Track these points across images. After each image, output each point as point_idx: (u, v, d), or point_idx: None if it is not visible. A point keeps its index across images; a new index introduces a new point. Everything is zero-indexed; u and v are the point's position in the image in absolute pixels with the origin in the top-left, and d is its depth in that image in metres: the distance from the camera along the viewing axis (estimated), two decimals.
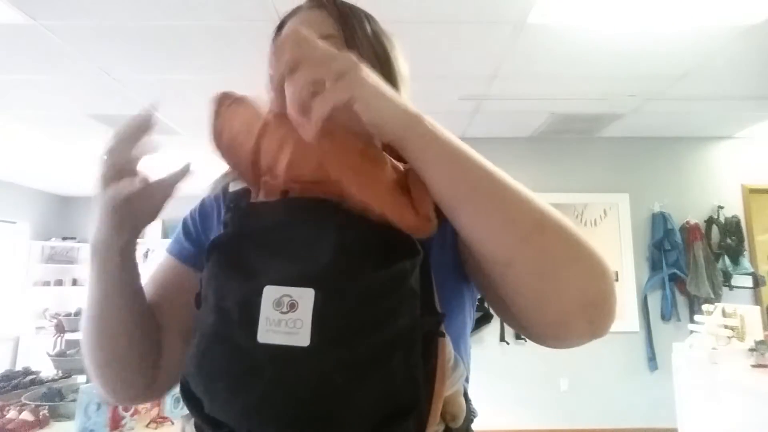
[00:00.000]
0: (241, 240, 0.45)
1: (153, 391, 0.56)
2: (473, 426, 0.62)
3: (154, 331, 0.55)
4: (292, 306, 0.38)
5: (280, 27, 0.64)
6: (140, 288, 0.54)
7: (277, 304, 0.38)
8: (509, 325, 0.51)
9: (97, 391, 0.55)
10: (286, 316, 0.37)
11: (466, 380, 0.58)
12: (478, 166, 0.44)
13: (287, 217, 0.44)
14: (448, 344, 0.47)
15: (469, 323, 0.59)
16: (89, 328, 0.52)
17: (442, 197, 0.43)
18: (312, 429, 0.37)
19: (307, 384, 0.37)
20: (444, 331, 0.45)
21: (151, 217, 0.51)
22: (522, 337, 3.55)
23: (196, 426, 0.45)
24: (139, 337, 0.52)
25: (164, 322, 0.56)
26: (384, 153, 0.48)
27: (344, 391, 0.37)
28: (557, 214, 0.42)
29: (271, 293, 0.38)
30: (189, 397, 0.42)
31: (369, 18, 0.64)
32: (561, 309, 0.41)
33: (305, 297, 0.38)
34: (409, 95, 0.63)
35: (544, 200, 0.42)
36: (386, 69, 0.61)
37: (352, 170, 0.43)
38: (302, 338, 0.37)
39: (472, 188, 0.43)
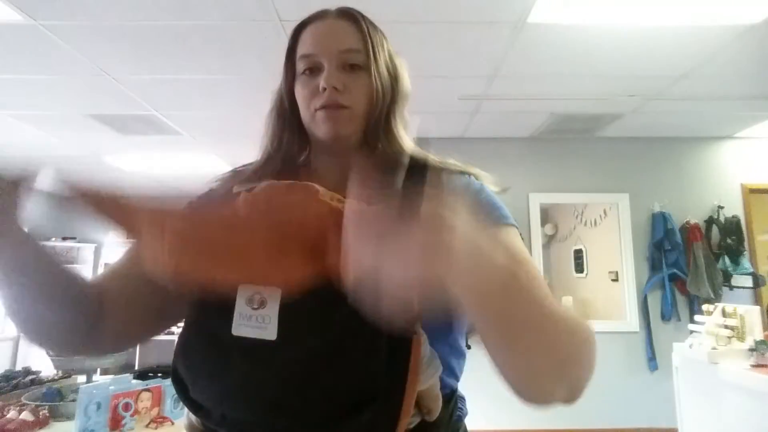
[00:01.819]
0: None
1: (91, 345, 0.58)
2: (471, 426, 0.63)
3: (77, 291, 0.56)
4: (262, 303, 0.42)
5: (301, 27, 0.65)
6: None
7: (250, 300, 0.42)
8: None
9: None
10: (256, 312, 0.41)
11: (451, 378, 0.59)
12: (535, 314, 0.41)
13: None
14: (423, 341, 0.48)
15: (458, 324, 0.59)
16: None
17: (486, 328, 0.41)
18: (277, 416, 0.41)
19: (273, 375, 0.40)
20: (419, 329, 0.47)
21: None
22: None
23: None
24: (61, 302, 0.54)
25: (115, 286, 0.57)
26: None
27: (306, 382, 0.40)
28: (570, 333, 0.44)
29: (244, 290, 0.42)
30: (176, 380, 0.47)
31: (384, 36, 0.67)
32: (537, 390, 0.44)
33: (273, 295, 0.41)
34: (409, 108, 0.67)
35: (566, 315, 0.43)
36: (396, 87, 0.65)
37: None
38: (270, 333, 0.41)
39: (519, 329, 0.40)
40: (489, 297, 0.36)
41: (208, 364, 0.44)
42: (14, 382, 1.77)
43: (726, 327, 2.53)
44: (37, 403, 1.55)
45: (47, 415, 1.50)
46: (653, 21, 2.15)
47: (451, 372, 0.60)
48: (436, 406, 0.51)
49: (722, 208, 3.69)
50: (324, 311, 0.41)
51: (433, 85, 2.87)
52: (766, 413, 2.05)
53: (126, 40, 2.26)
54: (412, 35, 2.26)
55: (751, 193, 3.81)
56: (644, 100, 3.09)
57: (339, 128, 0.61)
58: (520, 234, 0.57)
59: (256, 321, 0.41)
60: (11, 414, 1.46)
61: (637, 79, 2.77)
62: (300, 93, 0.64)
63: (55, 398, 1.61)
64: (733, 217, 3.66)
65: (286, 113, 0.67)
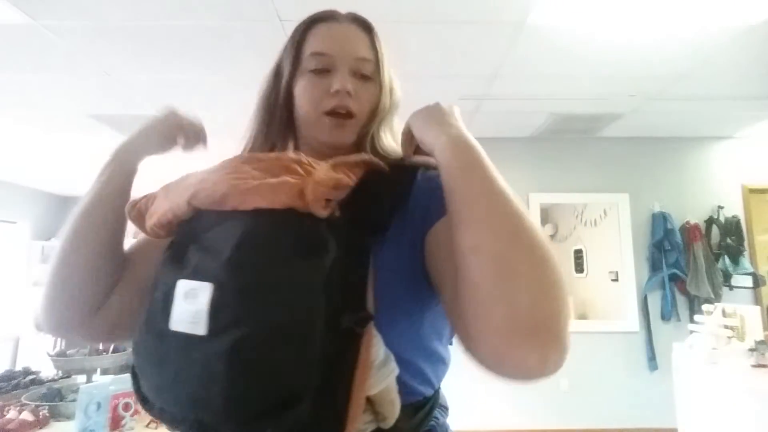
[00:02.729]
0: (192, 238, 0.48)
1: (89, 326, 0.58)
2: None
3: (113, 265, 0.59)
4: (195, 298, 0.42)
5: (312, 23, 0.66)
6: (119, 221, 0.59)
7: (186, 296, 0.43)
8: (459, 338, 0.47)
9: (39, 313, 0.57)
10: (191, 307, 0.42)
11: (424, 385, 0.57)
12: (489, 171, 0.50)
13: (223, 218, 0.48)
14: (376, 342, 0.48)
15: (430, 327, 0.57)
16: (68, 235, 0.57)
17: (452, 183, 0.49)
18: (202, 411, 0.41)
19: (199, 370, 0.41)
20: (368, 329, 0.46)
21: (170, 143, 0.67)
22: None
23: None
24: (99, 260, 0.57)
25: (127, 273, 0.60)
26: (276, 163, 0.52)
27: (231, 379, 0.40)
28: (541, 237, 0.44)
29: (182, 286, 0.44)
30: (132, 374, 0.49)
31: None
32: (509, 315, 0.39)
33: (204, 291, 0.42)
34: (399, 114, 0.70)
35: (536, 221, 0.47)
36: (392, 100, 0.69)
37: (234, 187, 0.48)
38: (201, 328, 0.41)
39: (480, 177, 0.49)
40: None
41: (151, 357, 0.45)
42: (14, 382, 1.77)
43: (726, 327, 2.53)
44: (37, 403, 1.55)
45: (47, 415, 1.50)
46: (653, 21, 2.14)
47: (424, 378, 0.57)
48: (392, 413, 0.49)
49: (722, 208, 3.69)
50: (255, 307, 0.41)
51: (433, 85, 2.87)
52: (766, 413, 2.05)
53: (126, 40, 2.26)
54: (412, 35, 2.26)
55: (751, 193, 3.81)
56: (644, 100, 3.09)
57: (344, 137, 0.64)
58: None
59: (189, 316, 0.42)
60: (11, 414, 1.46)
61: (637, 79, 2.77)
62: (306, 90, 0.63)
63: (55, 398, 1.61)
64: (733, 217, 3.66)
65: (278, 106, 0.67)
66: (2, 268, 5.36)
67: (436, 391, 0.60)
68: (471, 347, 0.43)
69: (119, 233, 0.60)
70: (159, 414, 0.45)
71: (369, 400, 0.48)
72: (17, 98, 2.97)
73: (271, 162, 0.51)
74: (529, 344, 0.39)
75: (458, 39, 2.31)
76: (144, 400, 0.46)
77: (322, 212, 0.46)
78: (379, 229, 0.54)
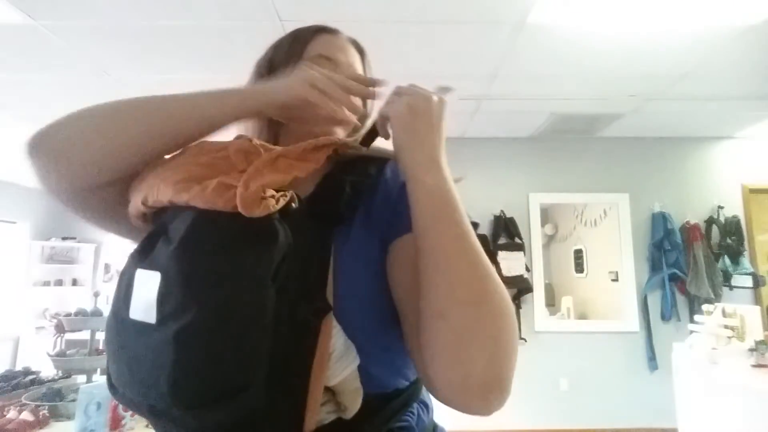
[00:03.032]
0: (162, 229, 0.49)
1: (94, 185, 0.54)
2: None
3: (152, 154, 0.56)
4: (148, 287, 0.44)
5: (316, 31, 0.69)
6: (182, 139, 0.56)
7: (143, 284, 0.44)
8: (416, 367, 0.52)
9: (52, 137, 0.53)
10: (146, 296, 0.43)
11: (397, 377, 0.56)
12: (462, 223, 0.50)
13: (179, 210, 0.48)
14: (335, 333, 0.48)
15: (391, 322, 0.56)
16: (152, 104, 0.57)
17: (422, 233, 0.49)
18: (150, 397, 0.42)
19: (149, 356, 0.42)
20: (327, 320, 0.47)
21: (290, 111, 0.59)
22: (522, 336, 3.55)
23: None
24: (154, 141, 0.55)
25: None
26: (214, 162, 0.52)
27: (173, 366, 0.40)
28: (502, 294, 0.47)
29: (139, 275, 0.45)
30: (107, 363, 0.49)
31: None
32: (465, 375, 0.45)
33: (154, 280, 0.43)
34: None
35: (496, 277, 0.48)
36: (368, 104, 0.72)
37: (173, 187, 0.48)
38: (152, 316, 0.42)
39: (449, 237, 0.48)
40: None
41: (114, 344, 0.46)
42: (14, 382, 1.77)
43: (726, 327, 2.53)
44: (37, 403, 1.55)
45: (47, 415, 1.50)
46: (653, 21, 2.15)
47: (394, 370, 0.56)
48: (353, 403, 0.49)
49: (722, 208, 3.69)
50: (197, 295, 0.42)
51: (433, 85, 2.86)
52: (766, 413, 2.05)
53: (126, 40, 2.26)
54: (412, 35, 2.26)
55: (751, 193, 3.81)
56: (644, 100, 3.09)
57: (336, 135, 0.66)
58: None
59: (143, 304, 0.43)
60: (11, 414, 1.46)
61: (637, 79, 2.77)
62: None
63: (55, 398, 1.61)
64: (733, 217, 3.66)
65: None
66: (2, 268, 5.36)
67: (413, 384, 0.58)
68: (426, 381, 0.49)
69: (173, 143, 0.56)
70: (122, 399, 0.46)
71: (330, 391, 0.48)
72: (17, 98, 2.97)
73: (213, 156, 0.51)
74: (478, 397, 0.46)
75: (458, 39, 2.31)
76: (111, 387, 0.47)
77: (258, 214, 0.46)
78: (341, 220, 0.55)
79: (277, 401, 0.43)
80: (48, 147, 0.52)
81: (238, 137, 0.56)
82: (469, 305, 0.46)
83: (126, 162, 0.53)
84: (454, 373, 0.45)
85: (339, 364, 0.48)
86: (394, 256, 0.55)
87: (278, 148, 0.52)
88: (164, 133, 0.54)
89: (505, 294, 0.48)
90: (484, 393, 0.45)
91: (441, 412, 0.64)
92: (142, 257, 0.47)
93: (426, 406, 0.61)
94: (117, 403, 1.41)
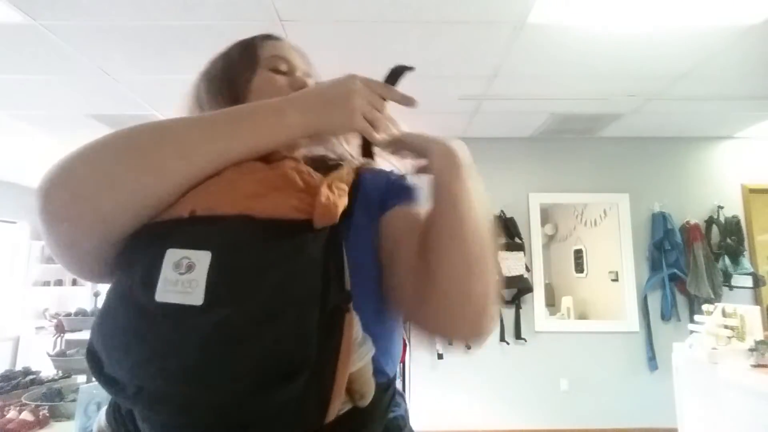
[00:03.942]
0: (177, 220, 0.47)
1: (105, 238, 0.48)
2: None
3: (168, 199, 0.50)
4: (190, 267, 0.41)
5: (264, 38, 0.71)
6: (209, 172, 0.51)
7: (176, 266, 0.41)
8: (416, 316, 0.57)
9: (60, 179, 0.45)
10: (183, 277, 0.40)
11: (390, 364, 0.60)
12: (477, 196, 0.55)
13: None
14: (356, 321, 0.49)
15: (381, 306, 0.60)
16: (161, 139, 0.49)
17: (445, 199, 0.54)
18: (196, 383, 0.39)
19: (195, 341, 0.39)
20: (351, 308, 0.47)
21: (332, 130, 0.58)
22: (522, 336, 3.55)
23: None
24: (164, 194, 0.48)
25: None
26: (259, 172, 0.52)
27: (228, 349, 0.38)
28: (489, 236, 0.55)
29: (172, 255, 0.42)
30: (92, 358, 0.44)
31: None
32: (482, 293, 0.52)
33: (202, 259, 0.41)
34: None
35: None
36: None
37: (243, 201, 0.48)
38: (196, 297, 0.39)
39: (471, 203, 0.54)
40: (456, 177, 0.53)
41: (127, 333, 0.41)
42: (14, 382, 1.77)
43: (726, 327, 2.53)
44: (37, 403, 1.55)
45: (47, 415, 1.50)
46: (653, 21, 2.15)
47: (390, 358, 0.59)
48: (369, 390, 0.50)
49: (722, 208, 3.69)
50: (255, 275, 0.41)
51: (433, 85, 2.87)
52: (766, 413, 2.05)
53: (126, 40, 2.26)
54: (412, 35, 2.26)
55: (751, 193, 3.81)
56: (644, 100, 3.09)
57: None
58: None
59: (182, 286, 0.40)
60: (11, 414, 1.46)
61: (637, 79, 2.77)
62: (271, 84, 0.67)
63: (55, 398, 1.61)
64: (733, 217, 3.66)
65: (232, 97, 0.67)
66: (2, 268, 5.36)
67: (395, 374, 0.62)
68: (422, 322, 0.56)
69: (184, 185, 0.49)
70: (136, 394, 0.40)
71: (349, 378, 0.49)
72: (17, 98, 2.97)
73: (267, 173, 0.51)
74: (477, 323, 0.53)
75: (458, 39, 2.31)
76: (112, 383, 0.42)
77: (329, 223, 0.48)
78: (347, 214, 0.56)
79: (309, 389, 0.41)
80: (74, 193, 0.45)
81: (281, 156, 0.56)
82: (479, 247, 0.52)
83: (165, 201, 0.48)
84: (457, 293, 0.51)
85: (360, 352, 0.49)
86: (388, 224, 0.60)
87: (332, 175, 0.54)
88: (210, 171, 0.50)
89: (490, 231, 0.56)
90: (481, 318, 0.53)
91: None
92: (163, 238, 0.44)
93: (401, 395, 0.63)
94: None
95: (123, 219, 0.46)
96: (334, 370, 0.43)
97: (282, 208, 0.47)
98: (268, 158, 0.54)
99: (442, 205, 0.54)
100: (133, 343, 0.41)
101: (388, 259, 0.58)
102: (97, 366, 0.43)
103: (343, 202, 0.50)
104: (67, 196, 0.45)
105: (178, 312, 0.39)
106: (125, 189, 0.46)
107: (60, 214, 0.45)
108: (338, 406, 0.44)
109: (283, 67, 0.69)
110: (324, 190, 0.49)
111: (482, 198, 0.55)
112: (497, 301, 0.55)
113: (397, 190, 0.63)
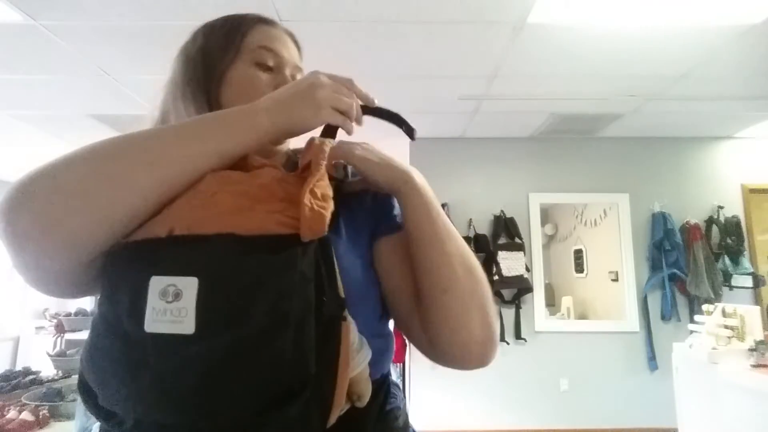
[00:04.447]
0: (159, 241, 0.44)
1: (75, 259, 0.44)
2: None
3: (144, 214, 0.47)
4: (177, 295, 0.39)
5: (253, 21, 0.68)
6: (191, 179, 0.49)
7: (163, 293, 0.39)
8: (421, 341, 0.58)
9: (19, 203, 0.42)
10: (171, 306, 0.39)
11: (384, 362, 0.60)
12: (443, 214, 0.59)
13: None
14: (352, 328, 0.49)
15: (380, 311, 0.60)
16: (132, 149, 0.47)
17: (421, 231, 0.56)
18: (196, 413, 0.38)
19: (192, 370, 0.38)
20: (347, 315, 0.46)
21: (301, 129, 0.54)
22: (522, 336, 3.55)
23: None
24: (141, 208, 0.45)
25: None
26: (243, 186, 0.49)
27: (228, 376, 0.38)
28: (480, 268, 0.57)
29: (157, 283, 0.39)
30: (84, 390, 0.43)
31: None
32: (467, 337, 0.54)
33: (189, 286, 0.39)
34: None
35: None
36: None
37: (218, 218, 0.45)
38: (187, 326, 0.38)
39: (441, 227, 0.56)
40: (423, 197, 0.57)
41: (120, 366, 0.40)
42: (14, 382, 1.77)
43: (726, 327, 2.53)
44: (37, 403, 1.55)
45: (47, 415, 1.50)
46: (653, 21, 2.15)
47: (383, 357, 0.60)
48: (366, 391, 0.50)
49: (722, 208, 3.69)
50: (246, 299, 0.39)
51: (433, 85, 2.87)
52: (766, 413, 2.05)
53: (126, 40, 2.26)
54: (412, 35, 2.26)
55: (751, 193, 3.81)
56: (644, 100, 3.09)
57: None
58: None
59: (171, 315, 0.38)
60: (11, 414, 1.46)
61: (637, 79, 2.77)
62: (251, 80, 0.63)
63: (55, 398, 1.61)
64: (733, 217, 3.66)
65: (206, 86, 0.64)
66: (2, 268, 5.36)
67: (389, 370, 0.63)
68: (432, 353, 0.57)
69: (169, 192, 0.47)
70: (134, 427, 0.40)
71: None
72: (17, 98, 2.97)
73: (247, 185, 0.48)
74: (477, 353, 0.55)
75: (458, 39, 2.31)
76: (109, 417, 0.41)
77: (318, 235, 0.45)
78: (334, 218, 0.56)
79: (311, 401, 0.41)
80: (38, 211, 0.42)
81: (260, 163, 0.53)
82: (465, 278, 0.55)
83: (137, 218, 0.45)
84: (459, 336, 0.54)
85: (358, 357, 0.49)
86: (387, 251, 0.61)
87: (312, 177, 0.50)
88: (182, 180, 0.47)
89: (479, 265, 0.58)
90: (483, 349, 0.55)
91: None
92: (146, 265, 0.42)
93: (398, 386, 0.64)
94: None
95: (94, 238, 0.43)
96: (334, 381, 0.43)
97: (267, 223, 0.45)
98: (247, 166, 0.52)
99: (421, 238, 0.56)
100: (127, 376, 0.39)
101: (392, 295, 0.60)
102: (91, 399, 0.42)
103: (329, 207, 0.47)
104: (29, 218, 0.42)
105: (170, 342, 0.38)
106: (93, 205, 0.43)
107: (22, 236, 0.42)
108: (338, 412, 0.44)
109: (270, 62, 0.64)
110: (306, 201, 0.45)
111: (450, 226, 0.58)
112: (496, 329, 0.56)
113: (382, 215, 0.63)
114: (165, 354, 0.38)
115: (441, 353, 0.56)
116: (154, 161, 0.46)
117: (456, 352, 0.55)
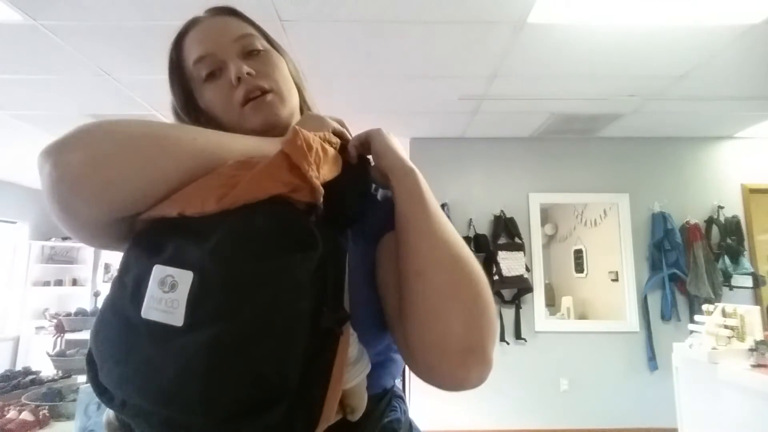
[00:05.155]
0: (171, 225, 0.45)
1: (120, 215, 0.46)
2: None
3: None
4: (173, 286, 0.40)
5: (179, 38, 0.66)
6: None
7: (162, 283, 0.40)
8: (398, 347, 0.53)
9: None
10: (166, 295, 0.39)
11: (386, 377, 0.59)
12: (437, 205, 0.55)
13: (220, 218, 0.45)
14: (352, 340, 0.48)
15: (381, 324, 0.58)
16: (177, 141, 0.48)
17: (408, 211, 0.53)
18: (172, 407, 0.38)
19: (172, 362, 0.38)
20: (346, 328, 0.46)
21: None
22: (522, 336, 3.55)
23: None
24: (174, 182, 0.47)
25: None
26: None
27: (207, 374, 0.37)
28: (477, 266, 0.50)
29: (158, 272, 0.41)
30: (89, 362, 0.45)
31: None
32: (443, 335, 0.45)
33: (184, 279, 0.40)
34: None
35: (468, 251, 0.52)
36: (287, 59, 0.69)
37: (216, 201, 0.46)
38: (177, 318, 0.39)
39: (432, 212, 0.52)
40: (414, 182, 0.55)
41: (116, 345, 0.42)
42: (14, 382, 1.77)
43: (726, 327, 2.53)
44: (37, 403, 1.55)
45: (47, 415, 1.50)
46: (653, 21, 2.15)
47: (387, 372, 0.58)
48: (361, 405, 0.49)
49: (722, 208, 3.69)
50: (237, 299, 0.39)
51: (433, 85, 2.87)
52: (766, 413, 2.05)
53: (126, 40, 2.26)
54: (412, 35, 2.26)
55: (751, 193, 3.81)
56: (644, 100, 3.09)
57: (272, 114, 0.62)
58: None
59: (165, 305, 0.39)
60: (11, 414, 1.46)
61: (637, 79, 2.77)
62: (212, 99, 0.63)
63: (55, 398, 1.61)
64: (733, 217, 3.66)
65: (193, 117, 0.66)
66: (2, 268, 5.36)
67: (392, 385, 0.62)
68: (408, 357, 0.49)
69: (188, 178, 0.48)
70: (120, 407, 0.41)
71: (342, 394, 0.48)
72: (17, 98, 2.97)
73: (243, 165, 0.49)
74: (457, 362, 0.45)
75: (458, 39, 2.31)
76: (102, 392, 0.42)
77: (315, 179, 0.46)
78: (350, 225, 0.56)
79: (296, 411, 0.40)
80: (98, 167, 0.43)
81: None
82: (446, 266, 0.48)
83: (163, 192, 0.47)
84: (433, 333, 0.46)
85: (354, 370, 0.48)
86: (382, 248, 0.58)
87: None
88: (206, 166, 0.49)
89: (482, 272, 0.50)
90: (464, 359, 0.45)
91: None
92: (154, 251, 0.43)
93: (401, 398, 0.63)
94: None
95: (127, 194, 0.45)
96: (324, 393, 0.42)
97: (266, 184, 0.45)
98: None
99: (410, 228, 0.53)
100: (121, 356, 0.41)
101: (381, 290, 0.56)
102: (92, 372, 0.44)
103: (328, 152, 0.51)
104: (80, 156, 0.43)
105: (161, 331, 0.39)
106: (138, 162, 0.45)
107: (67, 169, 0.43)
108: (326, 424, 0.43)
109: (209, 69, 0.63)
110: (294, 130, 0.48)
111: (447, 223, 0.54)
112: (488, 345, 0.47)
113: (386, 214, 0.58)
114: (155, 342, 0.39)
115: (414, 360, 0.48)
116: (204, 148, 0.49)
117: (429, 356, 0.46)
